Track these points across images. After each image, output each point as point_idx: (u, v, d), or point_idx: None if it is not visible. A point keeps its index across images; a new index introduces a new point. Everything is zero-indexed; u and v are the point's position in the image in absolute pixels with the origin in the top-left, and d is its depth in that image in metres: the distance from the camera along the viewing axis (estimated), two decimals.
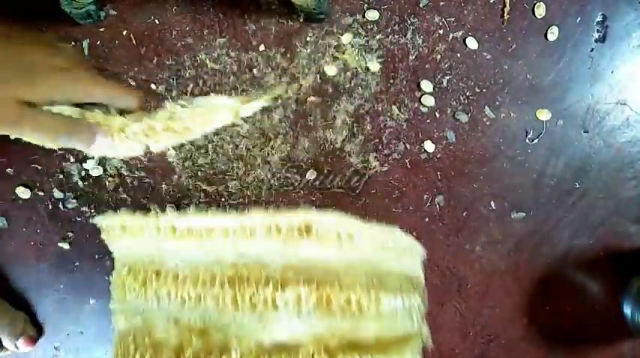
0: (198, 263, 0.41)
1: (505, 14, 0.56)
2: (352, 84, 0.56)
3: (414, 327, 0.46)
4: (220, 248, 0.40)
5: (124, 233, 0.41)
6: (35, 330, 0.59)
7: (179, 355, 0.40)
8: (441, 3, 0.56)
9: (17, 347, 0.56)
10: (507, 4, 0.55)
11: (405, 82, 0.57)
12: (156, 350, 0.40)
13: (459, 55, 0.56)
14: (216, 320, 0.40)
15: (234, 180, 0.57)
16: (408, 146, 0.57)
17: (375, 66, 0.56)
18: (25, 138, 0.35)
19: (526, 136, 0.57)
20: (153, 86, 0.56)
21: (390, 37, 0.56)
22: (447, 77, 0.56)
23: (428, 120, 0.57)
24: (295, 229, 0.39)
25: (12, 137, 0.35)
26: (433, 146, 0.57)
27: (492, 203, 0.58)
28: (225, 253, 0.40)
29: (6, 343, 0.56)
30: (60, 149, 0.56)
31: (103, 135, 0.38)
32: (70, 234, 0.58)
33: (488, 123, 0.57)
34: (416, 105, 0.57)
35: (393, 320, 0.43)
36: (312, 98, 0.57)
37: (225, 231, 0.39)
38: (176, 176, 0.57)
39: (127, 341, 0.42)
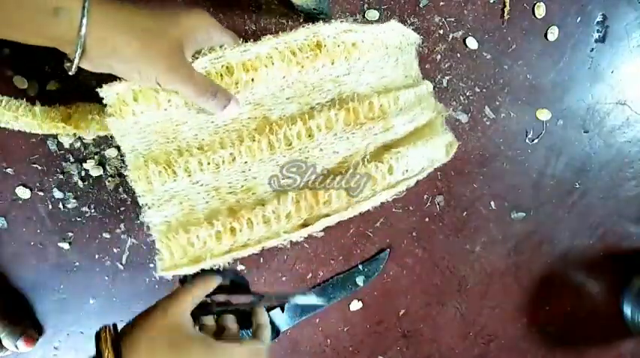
0: (216, 128, 0.41)
1: (505, 14, 0.56)
2: None
3: (433, 110, 0.48)
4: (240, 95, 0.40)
5: (136, 101, 0.39)
6: (35, 330, 0.59)
7: (236, 216, 0.39)
8: (441, 3, 0.55)
9: (17, 347, 0.56)
10: (507, 4, 0.55)
11: None
12: (211, 223, 0.39)
13: (459, 55, 0.56)
14: (256, 173, 0.41)
15: None
16: None
17: None
18: (169, 87, 0.38)
19: (526, 136, 0.57)
20: None
21: None
22: (447, 77, 0.56)
23: None
24: (307, 46, 0.40)
25: (161, 87, 0.38)
26: None
27: (492, 203, 0.58)
28: (244, 105, 0.41)
29: (6, 343, 0.56)
30: (60, 150, 0.56)
31: (235, 102, 0.40)
32: (70, 234, 0.58)
33: (488, 123, 0.57)
34: None
35: (413, 111, 0.45)
36: None
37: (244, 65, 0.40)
38: None
39: (178, 234, 0.40)
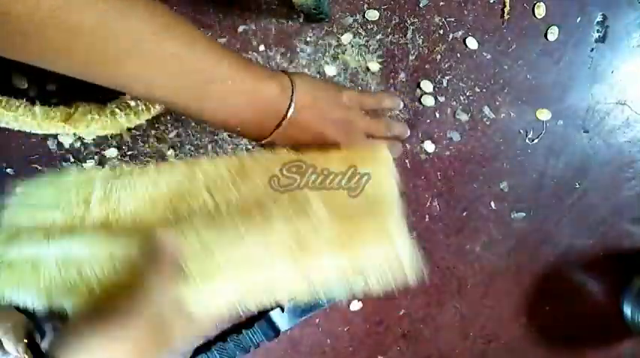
0: None
1: (505, 14, 0.56)
2: (352, 84, 0.56)
3: None
4: None
5: None
6: (39, 336, 0.58)
7: None
8: (441, 3, 0.55)
9: (19, 352, 0.56)
10: (507, 4, 0.55)
11: (405, 82, 0.57)
12: None
13: (459, 55, 0.56)
14: None
15: None
16: (408, 146, 0.57)
17: (375, 66, 0.56)
18: None
19: (526, 136, 0.57)
20: None
21: (390, 37, 0.56)
22: (447, 77, 0.56)
23: (428, 121, 0.57)
24: None
25: None
26: (433, 146, 0.57)
27: (492, 203, 0.58)
28: None
29: (8, 346, 0.56)
30: (60, 150, 0.56)
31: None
32: None
33: (488, 123, 0.57)
34: (416, 105, 0.57)
35: None
36: None
37: None
38: None
39: None
